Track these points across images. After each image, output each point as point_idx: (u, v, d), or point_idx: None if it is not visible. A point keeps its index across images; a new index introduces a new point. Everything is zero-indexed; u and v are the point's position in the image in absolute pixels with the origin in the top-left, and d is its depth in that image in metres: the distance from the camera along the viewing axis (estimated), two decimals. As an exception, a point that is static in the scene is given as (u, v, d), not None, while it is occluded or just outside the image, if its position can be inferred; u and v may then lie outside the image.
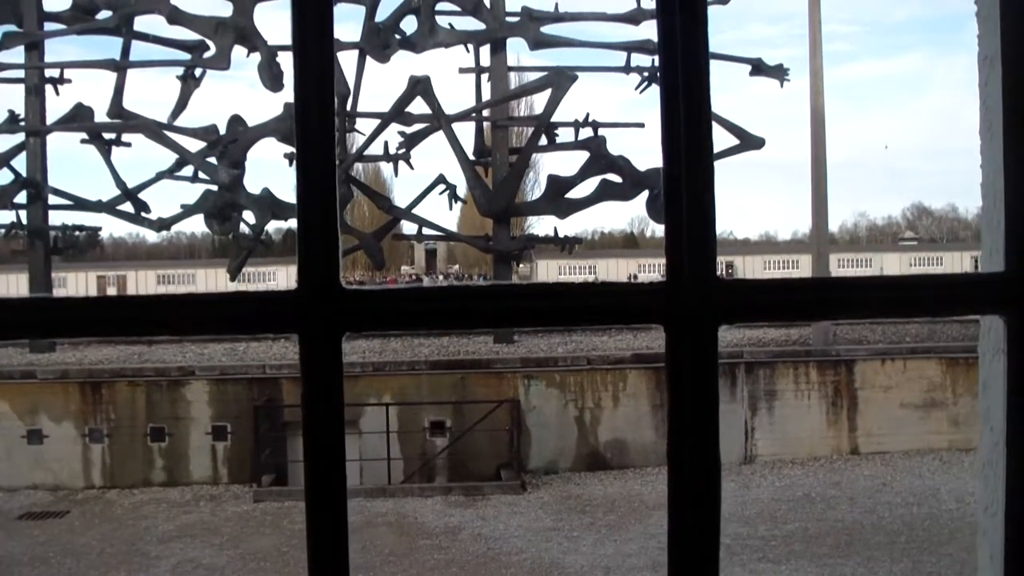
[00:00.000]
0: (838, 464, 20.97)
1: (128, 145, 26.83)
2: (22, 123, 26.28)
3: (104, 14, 26.26)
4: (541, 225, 51.47)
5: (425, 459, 20.91)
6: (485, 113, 27.10)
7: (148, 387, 21.03)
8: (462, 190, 26.70)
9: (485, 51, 26.61)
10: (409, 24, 25.53)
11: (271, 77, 24.44)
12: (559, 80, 25.49)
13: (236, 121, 25.51)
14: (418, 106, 25.41)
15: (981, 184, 1.67)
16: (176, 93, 26.03)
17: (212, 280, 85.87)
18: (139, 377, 21.08)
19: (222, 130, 25.44)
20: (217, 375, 21.08)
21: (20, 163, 26.39)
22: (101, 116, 26.24)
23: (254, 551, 16.07)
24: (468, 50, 26.52)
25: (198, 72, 26.06)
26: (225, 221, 25.66)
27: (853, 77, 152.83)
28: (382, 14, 25.45)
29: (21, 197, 26.41)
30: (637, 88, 27.07)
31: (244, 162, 25.42)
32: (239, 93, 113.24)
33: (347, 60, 25.70)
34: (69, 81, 26.81)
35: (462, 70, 26.99)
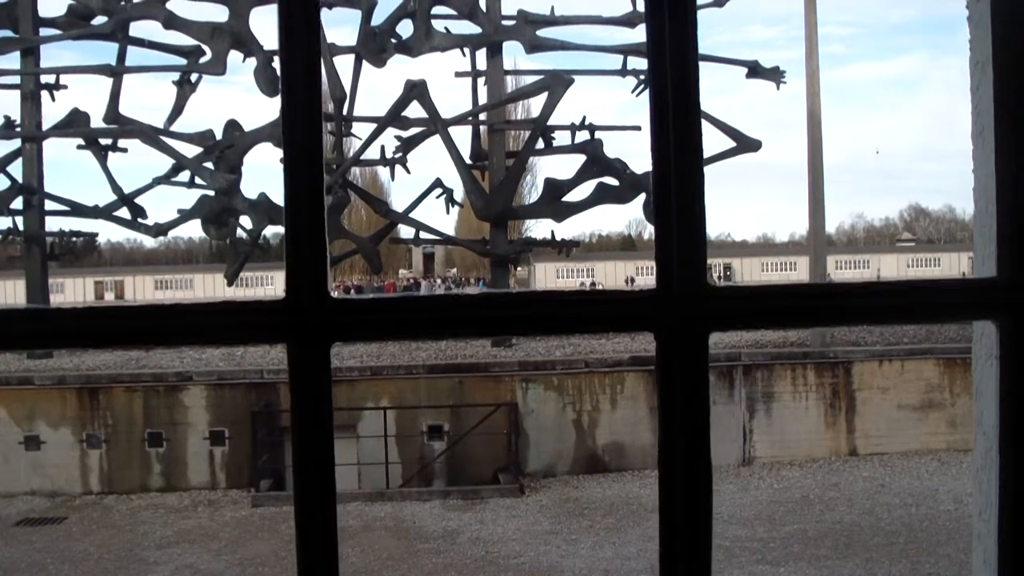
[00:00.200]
0: (836, 465, 20.97)
1: (124, 151, 26.89)
2: (18, 129, 26.31)
3: (100, 20, 26.28)
4: (539, 228, 51.54)
5: (423, 463, 20.90)
6: (481, 117, 27.12)
7: (145, 392, 21.01)
8: (459, 194, 26.73)
9: (481, 55, 26.64)
10: (405, 28, 25.59)
11: (267, 82, 24.44)
12: (555, 84, 25.51)
13: (232, 126, 25.54)
14: (414, 110, 25.46)
15: (973, 189, 1.67)
16: (172, 98, 26.06)
17: (210, 285, 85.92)
18: (136, 383, 21.06)
19: (218, 135, 25.47)
20: (215, 380, 21.06)
21: (16, 169, 26.43)
22: (97, 121, 26.27)
23: (252, 556, 16.05)
24: (464, 54, 26.57)
25: (194, 77, 26.08)
26: (222, 226, 25.68)
27: (850, 79, 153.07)
28: (378, 18, 25.51)
29: (17, 203, 26.42)
30: (633, 91, 27.15)
31: (240, 167, 25.43)
32: (235, 98, 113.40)
33: (343, 64, 25.75)
34: (65, 87, 26.85)
35: (458, 74, 27.02)
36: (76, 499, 20.29)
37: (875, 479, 19.80)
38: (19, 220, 26.50)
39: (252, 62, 25.03)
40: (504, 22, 26.31)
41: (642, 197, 24.98)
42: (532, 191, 53.78)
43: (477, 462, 20.80)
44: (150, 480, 20.83)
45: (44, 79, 26.71)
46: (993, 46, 1.49)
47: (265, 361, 22.21)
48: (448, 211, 26.97)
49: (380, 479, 20.22)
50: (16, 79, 26.64)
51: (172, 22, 25.36)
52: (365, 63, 25.59)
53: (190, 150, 25.75)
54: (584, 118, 26.15)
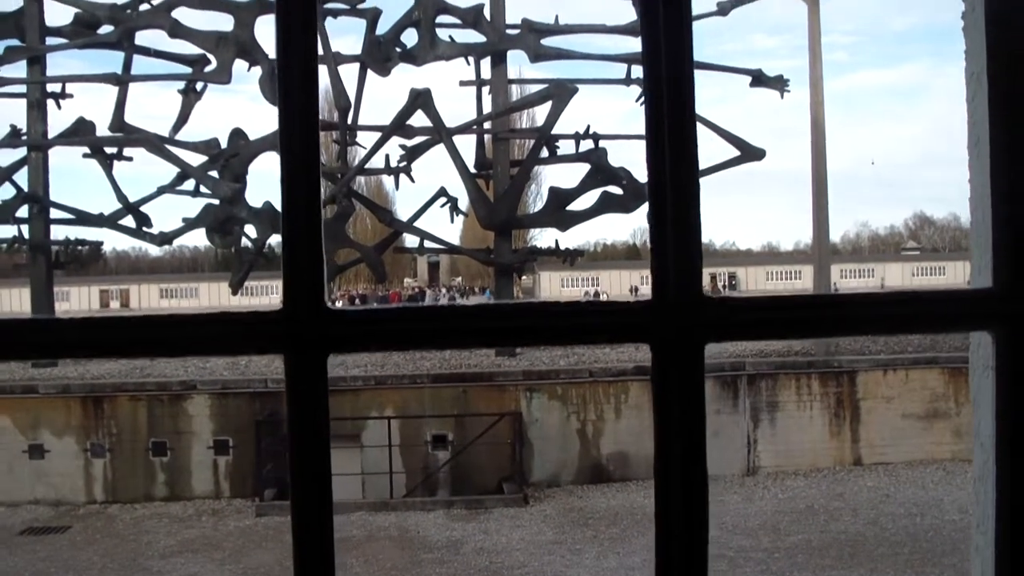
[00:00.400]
0: (841, 475, 20.94)
1: (130, 159, 26.92)
2: (24, 137, 26.35)
3: (106, 28, 26.34)
4: (543, 237, 51.50)
5: (427, 472, 20.88)
6: (486, 126, 27.14)
7: (150, 401, 21.02)
8: (463, 203, 26.74)
9: (486, 64, 26.66)
10: (410, 37, 25.64)
11: (272, 91, 24.43)
12: (559, 92, 25.53)
13: (237, 135, 25.57)
14: (419, 119, 25.46)
15: (970, 199, 1.67)
16: (177, 107, 26.11)
17: (215, 293, 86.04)
18: (141, 392, 21.08)
19: (223, 144, 25.50)
20: (219, 389, 21.08)
21: (22, 177, 26.47)
22: (103, 130, 26.31)
23: (256, 566, 16.05)
24: (469, 63, 26.58)
25: (199, 86, 26.14)
26: (226, 235, 25.69)
27: (854, 87, 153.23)
28: (383, 27, 25.55)
29: (23, 211, 26.47)
30: (638, 100, 27.10)
31: (245, 176, 25.46)
32: (241, 106, 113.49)
33: (348, 73, 25.82)
34: (71, 95, 26.89)
35: (463, 83, 27.05)
36: (80, 508, 20.30)
37: (880, 489, 19.77)
38: (24, 228, 26.55)
39: (257, 71, 25.09)
40: (508, 31, 26.34)
41: (646, 206, 24.88)
42: (537, 200, 53.85)
43: (481, 472, 20.78)
44: (154, 489, 20.83)
45: (50, 88, 26.77)
46: (988, 57, 1.50)
47: (269, 370, 22.22)
48: (452, 220, 26.97)
49: (384, 489, 20.20)
50: (22, 88, 26.70)
51: (177, 31, 25.42)
52: (370, 72, 25.63)
53: (195, 159, 25.79)
54: (588, 127, 26.16)
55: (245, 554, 16.74)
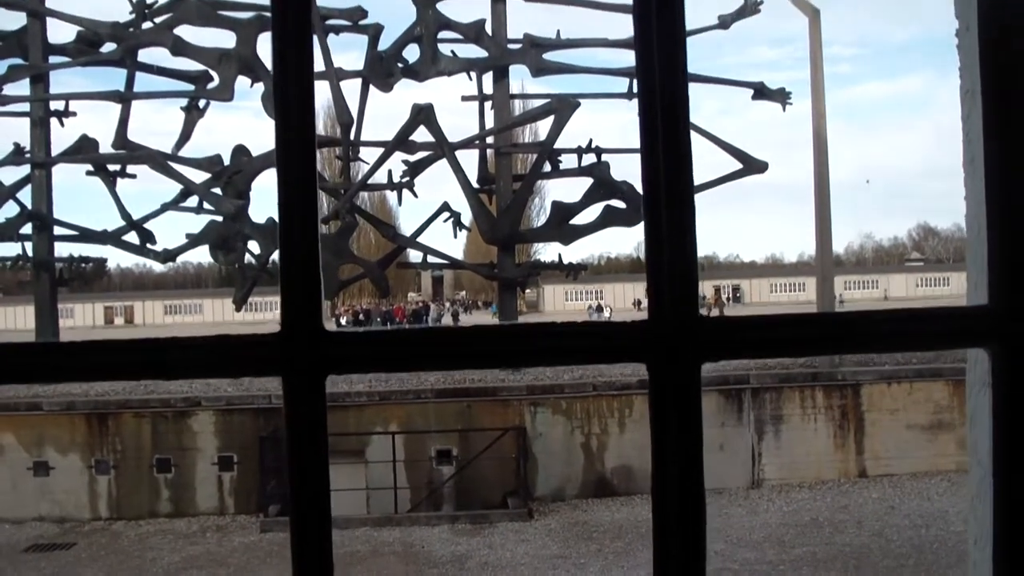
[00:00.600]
0: (846, 487, 20.90)
1: (133, 176, 26.99)
2: (27, 155, 26.41)
3: (108, 46, 26.44)
4: (547, 251, 51.53)
5: (432, 487, 20.86)
6: (488, 140, 27.18)
7: (154, 418, 21.02)
8: (466, 218, 26.77)
9: (488, 79, 26.71)
10: (412, 53, 25.70)
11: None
12: (561, 107, 25.57)
13: (240, 151, 25.63)
14: (422, 134, 25.50)
15: (965, 216, 1.67)
16: (180, 124, 26.18)
17: (219, 309, 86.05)
18: (145, 408, 21.06)
19: (227, 160, 25.55)
20: (223, 406, 21.06)
21: (26, 195, 26.52)
22: (106, 148, 26.39)
23: (261, 582, 16.03)
24: (471, 78, 26.64)
25: (202, 103, 26.20)
26: (230, 251, 25.73)
27: (857, 98, 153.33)
28: (385, 43, 25.62)
29: (27, 229, 26.52)
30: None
31: (248, 192, 25.51)
32: (244, 123, 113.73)
33: (351, 89, 25.86)
34: (74, 113, 26.97)
35: (465, 98, 27.11)
36: (85, 525, 20.28)
37: (885, 501, 19.72)
38: (28, 246, 26.60)
39: (260, 87, 25.16)
40: (510, 46, 26.40)
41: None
42: (540, 214, 53.83)
43: (486, 486, 20.75)
44: (159, 506, 20.81)
45: (53, 105, 26.85)
46: (982, 75, 1.51)
47: (273, 386, 22.19)
48: (456, 235, 26.97)
49: (389, 504, 20.18)
50: (25, 106, 26.78)
51: (180, 48, 25.49)
52: (372, 88, 25.69)
53: (198, 176, 25.86)
54: (591, 141, 26.18)
55: (250, 570, 16.72)
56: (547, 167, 26.65)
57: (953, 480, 20.60)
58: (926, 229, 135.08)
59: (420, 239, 26.63)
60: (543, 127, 28.36)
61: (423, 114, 25.14)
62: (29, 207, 26.37)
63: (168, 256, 27.10)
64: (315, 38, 1.46)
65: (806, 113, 26.69)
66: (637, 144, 1.37)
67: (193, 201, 25.99)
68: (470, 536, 18.36)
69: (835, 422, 21.75)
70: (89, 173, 26.73)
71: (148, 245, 26.74)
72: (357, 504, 19.75)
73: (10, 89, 26.47)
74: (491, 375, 23.45)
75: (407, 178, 25.88)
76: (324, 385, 1.35)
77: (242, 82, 25.48)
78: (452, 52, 26.23)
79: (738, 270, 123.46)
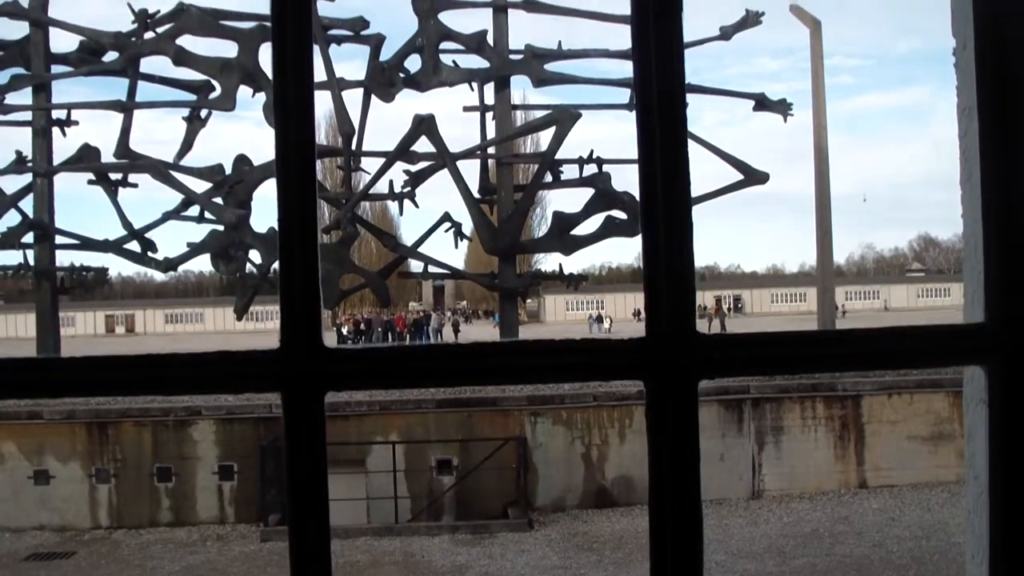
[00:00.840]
0: (846, 498, 20.87)
1: (135, 185, 27.01)
2: (29, 164, 26.43)
3: (110, 56, 26.50)
4: (548, 261, 51.54)
5: (432, 497, 20.83)
6: (490, 151, 27.20)
7: (154, 427, 21.00)
8: (468, 228, 26.76)
9: (489, 89, 26.75)
10: (413, 63, 25.75)
11: (277, 118, 24.54)
12: (563, 117, 25.60)
13: (242, 161, 25.67)
14: (423, 144, 25.52)
15: (963, 233, 1.68)
16: (182, 132, 26.20)
17: (220, 318, 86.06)
18: (145, 417, 21.03)
19: (228, 170, 25.58)
20: (224, 415, 21.04)
21: (28, 204, 26.54)
22: (108, 157, 26.41)
23: (260, 592, 16.01)
24: (472, 88, 26.68)
25: (203, 113, 26.23)
26: (231, 260, 25.74)
27: (859, 109, 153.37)
28: (387, 54, 25.67)
29: (28, 238, 26.53)
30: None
31: (250, 202, 25.53)
32: (245, 132, 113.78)
33: (352, 99, 25.87)
34: (76, 122, 26.98)
35: (466, 108, 27.13)
36: (85, 534, 20.26)
37: (885, 512, 19.69)
38: (30, 254, 26.61)
39: (262, 97, 25.19)
40: (512, 56, 26.45)
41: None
42: (541, 223, 53.83)
43: (486, 496, 20.72)
44: (159, 514, 20.79)
45: (55, 115, 26.87)
46: (979, 93, 1.51)
47: (274, 396, 22.10)
48: (457, 245, 26.95)
49: (389, 513, 20.15)
50: (28, 115, 26.81)
51: (182, 58, 25.55)
52: (374, 98, 25.73)
53: (200, 185, 25.87)
54: (592, 151, 26.22)
55: (249, 580, 16.70)
56: (548, 177, 26.67)
57: (954, 491, 20.57)
58: (927, 240, 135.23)
59: (421, 249, 26.66)
60: (544, 137, 28.48)
61: (424, 124, 25.17)
62: (31, 216, 26.38)
63: (169, 265, 27.13)
64: (316, 48, 1.47)
65: (808, 124, 26.74)
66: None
67: (195, 210, 26.01)
68: (470, 546, 18.33)
69: (835, 433, 21.73)
70: (91, 182, 26.77)
71: (149, 254, 26.76)
72: (357, 514, 19.72)
73: (12, 98, 26.55)
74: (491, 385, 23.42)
75: (408, 188, 25.90)
76: (323, 401, 1.36)
77: (244, 92, 25.55)
78: (454, 63, 26.29)
79: (739, 280, 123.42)
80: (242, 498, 20.75)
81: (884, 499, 20.59)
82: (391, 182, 26.15)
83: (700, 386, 1.39)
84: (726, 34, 27.12)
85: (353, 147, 26.10)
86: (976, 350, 1.52)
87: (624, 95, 27.30)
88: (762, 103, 27.53)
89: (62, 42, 26.89)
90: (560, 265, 27.16)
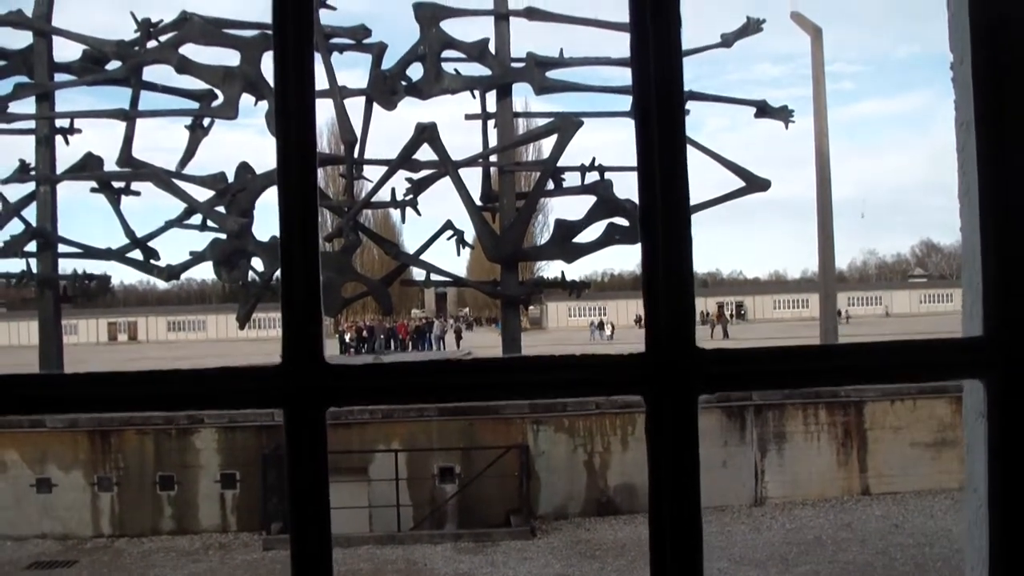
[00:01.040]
0: (849, 505, 20.85)
1: (137, 194, 27.01)
2: (33, 173, 26.44)
3: (114, 64, 26.51)
4: (550, 267, 51.54)
5: (434, 505, 20.82)
6: (492, 158, 27.20)
7: (157, 435, 21.00)
8: (470, 236, 26.74)
9: (491, 97, 26.75)
10: (415, 71, 25.76)
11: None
12: (565, 125, 25.60)
13: (244, 169, 25.69)
14: (425, 152, 25.54)
15: (962, 246, 1.69)
16: (185, 140, 26.22)
17: (222, 326, 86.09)
18: (148, 425, 21.03)
19: (231, 178, 25.60)
20: (226, 423, 21.03)
21: (31, 212, 26.55)
22: (110, 165, 26.42)
23: (263, 600, 16.00)
24: (474, 96, 26.68)
25: (206, 122, 26.25)
26: (233, 268, 25.75)
27: (860, 115, 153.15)
28: (389, 62, 25.69)
29: (31, 246, 26.53)
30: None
31: (252, 210, 25.53)
32: (248, 140, 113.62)
33: (355, 107, 25.88)
34: (79, 131, 26.98)
35: (468, 116, 27.13)
36: (87, 542, 20.26)
37: (888, 518, 19.66)
38: (33, 263, 26.60)
39: (264, 105, 25.21)
40: (514, 64, 26.45)
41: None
42: (544, 231, 53.83)
43: (488, 504, 20.71)
44: (161, 523, 20.79)
45: (58, 123, 26.87)
46: (976, 108, 1.52)
47: (276, 403, 22.13)
48: (459, 253, 26.98)
49: (391, 522, 20.14)
50: (31, 123, 26.82)
51: (185, 66, 25.57)
52: (376, 106, 25.74)
53: (202, 193, 25.89)
54: (594, 159, 26.22)
55: (252, 589, 16.70)
56: (550, 185, 26.67)
57: (957, 498, 20.53)
58: (929, 245, 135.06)
59: (423, 257, 26.70)
60: (546, 145, 28.45)
61: (427, 132, 25.18)
62: (34, 224, 26.39)
63: (172, 273, 27.14)
64: (319, 56, 1.48)
65: (809, 129, 26.74)
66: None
67: (197, 219, 26.03)
68: (473, 554, 18.32)
69: (838, 440, 21.71)
70: (94, 190, 26.77)
71: (152, 262, 26.76)
72: (360, 522, 19.71)
73: (16, 107, 26.52)
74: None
75: (410, 196, 25.90)
76: (325, 417, 1.37)
77: (246, 100, 25.55)
78: (455, 71, 26.32)
79: (741, 287, 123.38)
80: (244, 506, 20.75)
81: (887, 506, 20.56)
82: (393, 190, 26.17)
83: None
84: (727, 41, 27.14)
85: (355, 155, 26.13)
86: (975, 364, 1.53)
87: (626, 102, 27.27)
88: (763, 110, 27.54)
89: (66, 51, 26.93)
90: (562, 272, 27.18)
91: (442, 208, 27.64)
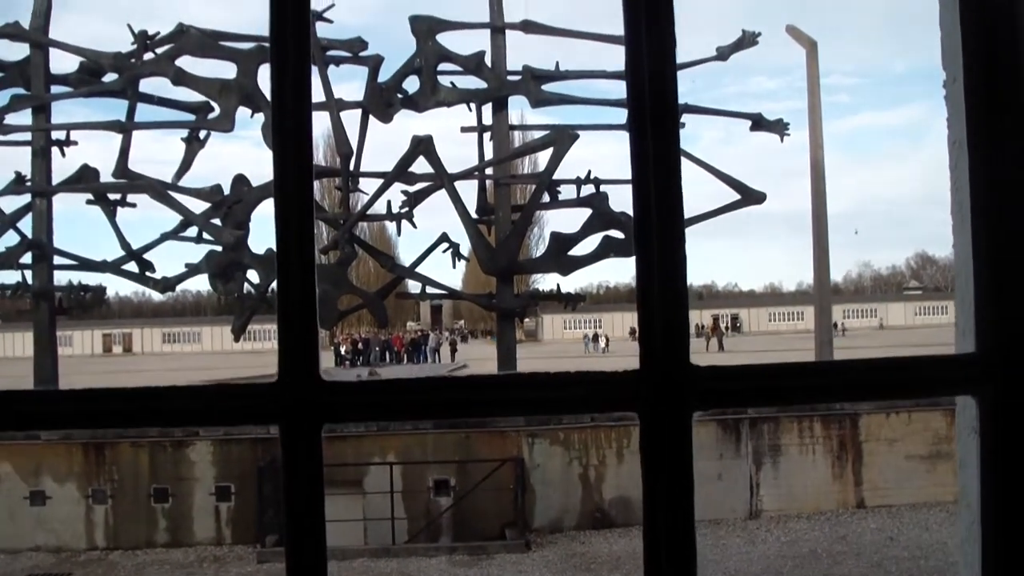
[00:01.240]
0: (844, 518, 20.84)
1: (133, 206, 26.98)
2: (29, 184, 26.41)
3: (110, 76, 26.49)
4: (545, 280, 51.51)
5: (429, 518, 20.79)
6: (488, 171, 27.19)
7: (151, 447, 20.96)
8: (465, 248, 26.74)
9: (487, 110, 26.76)
10: (411, 84, 25.77)
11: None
12: (560, 138, 25.61)
13: (240, 181, 25.67)
14: (421, 165, 25.54)
15: (954, 264, 1.70)
16: (181, 153, 26.21)
17: (217, 338, 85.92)
18: (142, 438, 20.98)
19: (227, 190, 25.58)
20: (221, 435, 21.00)
21: (26, 224, 26.50)
22: (107, 177, 26.38)
23: (258, 613, 15.96)
24: (470, 109, 26.68)
25: (202, 135, 26.24)
26: (229, 281, 25.73)
27: (856, 128, 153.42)
28: (385, 74, 25.70)
29: (27, 258, 26.48)
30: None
31: (248, 222, 25.52)
32: (244, 152, 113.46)
33: (351, 119, 25.88)
34: (75, 143, 26.95)
35: (464, 129, 27.12)
36: (81, 555, 20.21)
37: (883, 531, 19.65)
38: (28, 274, 26.55)
39: (261, 117, 25.22)
40: (509, 77, 26.46)
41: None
42: (539, 243, 53.84)
43: (483, 517, 20.68)
44: (156, 535, 20.74)
45: (55, 135, 26.83)
46: (968, 127, 1.53)
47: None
48: (455, 265, 26.94)
49: (386, 535, 20.10)
50: (27, 135, 26.79)
51: (181, 79, 25.57)
52: (372, 118, 25.75)
53: (198, 205, 25.87)
54: (589, 172, 26.21)
55: (247, 602, 16.66)
56: (546, 198, 26.67)
57: (952, 511, 20.51)
58: (924, 257, 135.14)
59: (419, 269, 26.67)
60: (542, 158, 28.41)
61: (423, 145, 25.19)
62: (29, 236, 26.34)
63: (167, 285, 27.10)
64: (315, 69, 1.49)
65: (805, 142, 26.79)
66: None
67: (193, 231, 26.01)
68: (468, 567, 18.29)
69: (833, 452, 21.72)
70: (90, 202, 26.73)
71: (147, 274, 26.73)
72: (355, 535, 19.67)
73: (12, 119, 26.49)
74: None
75: (406, 208, 25.89)
76: (320, 433, 1.37)
77: (243, 112, 25.56)
78: (452, 83, 26.33)
79: (737, 299, 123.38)
80: (239, 519, 20.70)
81: (882, 519, 20.55)
82: (389, 202, 26.15)
83: (697, 406, 1.41)
84: (723, 55, 27.19)
85: (351, 167, 26.11)
86: (967, 380, 1.54)
87: (622, 115, 27.28)
88: (759, 123, 27.56)
89: (62, 63, 26.93)
90: (558, 285, 27.17)
91: (438, 221, 27.62)
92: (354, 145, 25.81)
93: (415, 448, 21.17)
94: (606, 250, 25.40)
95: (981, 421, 1.50)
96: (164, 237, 26.43)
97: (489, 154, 27.04)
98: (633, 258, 1.42)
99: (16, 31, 26.33)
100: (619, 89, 29.32)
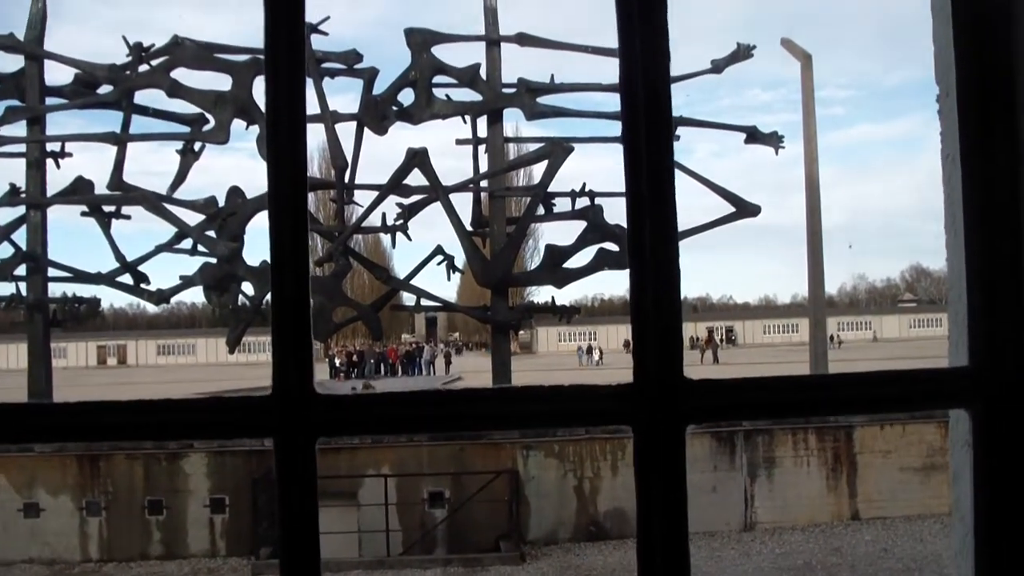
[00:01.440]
0: (839, 530, 20.82)
1: (128, 218, 26.95)
2: (23, 196, 26.38)
3: (105, 88, 26.48)
4: (540, 292, 51.56)
5: (424, 530, 20.75)
6: (482, 184, 27.19)
7: (146, 459, 20.91)
8: (460, 261, 26.72)
9: (482, 122, 26.76)
10: (406, 96, 25.78)
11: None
12: (555, 151, 25.62)
13: (235, 193, 25.65)
14: (416, 177, 25.54)
15: (948, 278, 1.70)
16: (176, 165, 26.20)
17: (212, 350, 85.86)
18: (137, 450, 20.93)
19: (222, 202, 25.56)
20: (216, 447, 20.95)
21: (21, 236, 26.47)
22: (101, 189, 26.35)
23: (251, 626, 15.91)
24: (465, 121, 26.68)
25: (197, 146, 26.23)
26: (224, 293, 25.71)
27: (851, 140, 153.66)
28: (380, 87, 25.71)
29: (21, 270, 26.44)
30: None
31: (243, 234, 25.50)
32: (239, 164, 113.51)
33: (345, 132, 25.89)
34: (70, 154, 26.91)
35: (459, 141, 27.12)
36: (75, 567, 20.14)
37: (878, 543, 19.64)
38: (23, 286, 26.50)
39: (256, 129, 25.22)
40: (505, 90, 26.47)
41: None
42: (534, 256, 53.85)
43: (478, 529, 20.64)
44: (150, 548, 20.68)
45: (49, 147, 26.80)
46: (961, 141, 1.54)
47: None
48: (449, 278, 26.92)
49: (381, 547, 20.06)
50: (22, 147, 26.76)
51: (176, 91, 25.57)
52: (367, 130, 25.75)
53: (193, 217, 25.85)
54: (584, 184, 26.24)
55: (241, 614, 16.61)
56: (541, 210, 26.67)
57: (946, 522, 20.51)
58: (919, 270, 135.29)
59: (414, 282, 26.64)
60: (537, 170, 28.44)
61: (417, 158, 25.19)
62: (24, 248, 26.30)
63: (162, 297, 27.07)
64: (310, 81, 1.49)
65: (800, 155, 26.84)
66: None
67: (188, 243, 25.98)
68: (462, 580, 18.27)
69: (828, 464, 21.71)
70: (84, 214, 26.69)
71: (142, 286, 26.69)
72: (349, 547, 19.63)
73: (7, 130, 26.46)
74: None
75: (401, 221, 25.88)
76: (315, 447, 1.37)
77: (238, 124, 25.54)
78: (446, 96, 26.34)
79: (731, 311, 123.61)
80: (234, 531, 20.65)
81: (877, 530, 20.54)
82: (384, 215, 26.14)
83: (691, 418, 1.41)
84: (718, 67, 27.23)
85: (346, 180, 26.10)
86: (961, 393, 1.54)
87: (617, 128, 27.19)
88: (754, 135, 27.60)
89: (57, 75, 26.91)
90: (552, 297, 27.17)
91: (432, 233, 27.66)
92: (349, 157, 25.81)
93: (410, 460, 21.14)
94: (601, 263, 25.40)
95: (974, 434, 1.51)
96: (159, 249, 26.39)
97: (484, 166, 27.03)
98: (627, 271, 1.42)
99: (11, 43, 26.32)
100: (614, 102, 29.37)
